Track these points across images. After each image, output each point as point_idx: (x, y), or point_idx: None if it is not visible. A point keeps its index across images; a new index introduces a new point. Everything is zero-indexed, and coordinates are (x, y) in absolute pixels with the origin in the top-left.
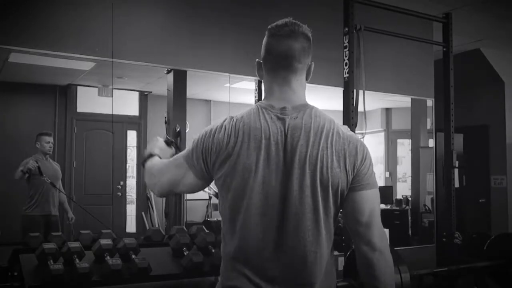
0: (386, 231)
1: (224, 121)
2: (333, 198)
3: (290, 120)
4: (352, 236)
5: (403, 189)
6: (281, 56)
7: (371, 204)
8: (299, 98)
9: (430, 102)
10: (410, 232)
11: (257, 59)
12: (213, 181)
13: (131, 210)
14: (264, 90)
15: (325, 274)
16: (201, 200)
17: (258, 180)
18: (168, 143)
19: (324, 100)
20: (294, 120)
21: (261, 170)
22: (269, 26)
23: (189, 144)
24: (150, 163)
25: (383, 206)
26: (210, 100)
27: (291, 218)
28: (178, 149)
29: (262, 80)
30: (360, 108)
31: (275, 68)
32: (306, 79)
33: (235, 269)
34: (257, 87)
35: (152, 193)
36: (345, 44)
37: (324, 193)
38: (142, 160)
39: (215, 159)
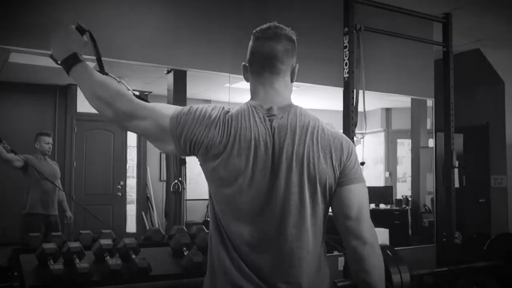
0: (386, 231)
1: (220, 112)
2: (321, 194)
3: (276, 120)
4: (342, 232)
5: (403, 189)
6: (264, 58)
7: (359, 198)
8: (284, 98)
9: (430, 102)
10: (410, 232)
11: (243, 63)
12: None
13: (131, 210)
14: (250, 91)
15: (315, 271)
16: (201, 200)
17: (247, 180)
18: (81, 30)
19: (324, 100)
20: (280, 119)
21: (250, 170)
22: (254, 31)
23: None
24: (94, 76)
25: (383, 206)
26: (210, 100)
27: (276, 216)
28: (94, 40)
29: (249, 83)
30: (360, 108)
31: (260, 69)
32: (291, 80)
33: (224, 266)
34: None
35: (152, 193)
36: (345, 44)
37: (312, 190)
38: (64, 61)
39: (205, 152)
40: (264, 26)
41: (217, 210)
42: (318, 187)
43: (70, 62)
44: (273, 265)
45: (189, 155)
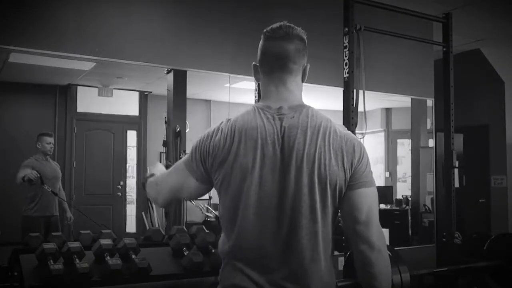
0: (386, 231)
1: (221, 124)
2: (331, 196)
3: (287, 119)
4: (350, 235)
5: (403, 189)
6: (276, 58)
7: (369, 202)
8: (295, 98)
9: (430, 102)
10: (410, 232)
11: (253, 63)
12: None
13: (131, 210)
14: (261, 92)
15: (323, 273)
16: (201, 200)
17: (255, 180)
18: (167, 167)
19: (324, 100)
20: (291, 119)
21: (257, 170)
22: (264, 30)
23: (189, 148)
24: (151, 179)
25: (383, 206)
26: (210, 100)
27: (287, 217)
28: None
29: (259, 83)
30: (360, 108)
31: (271, 69)
32: (302, 80)
33: (235, 268)
34: (257, 87)
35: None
36: (345, 44)
37: (322, 191)
38: (143, 181)
39: (212, 162)
40: (275, 25)
41: (226, 211)
42: (328, 189)
43: (148, 178)
44: (284, 266)
45: (211, 178)
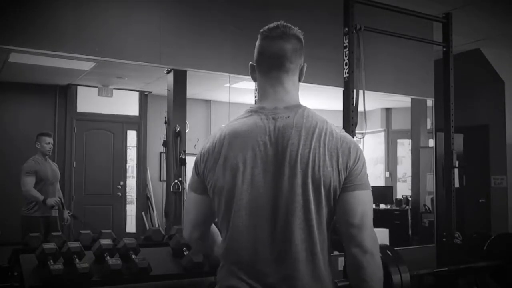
0: (386, 231)
1: (212, 134)
2: (325, 197)
3: (281, 119)
4: (343, 238)
5: (403, 189)
6: (273, 57)
7: (363, 205)
8: (292, 98)
9: (430, 102)
10: (410, 232)
11: (250, 62)
12: None
13: (131, 210)
14: (258, 91)
15: (321, 274)
16: None
17: (247, 180)
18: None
19: (324, 100)
20: (285, 119)
21: (249, 170)
22: (261, 30)
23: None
24: None
25: (383, 206)
26: (210, 100)
27: (281, 217)
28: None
29: (256, 83)
30: (360, 108)
31: (268, 69)
32: (299, 80)
33: (229, 269)
34: (257, 87)
35: (152, 193)
36: (345, 44)
37: (316, 193)
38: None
39: (204, 167)
40: (272, 25)
41: (220, 214)
42: (322, 190)
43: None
44: (279, 268)
45: (206, 188)
